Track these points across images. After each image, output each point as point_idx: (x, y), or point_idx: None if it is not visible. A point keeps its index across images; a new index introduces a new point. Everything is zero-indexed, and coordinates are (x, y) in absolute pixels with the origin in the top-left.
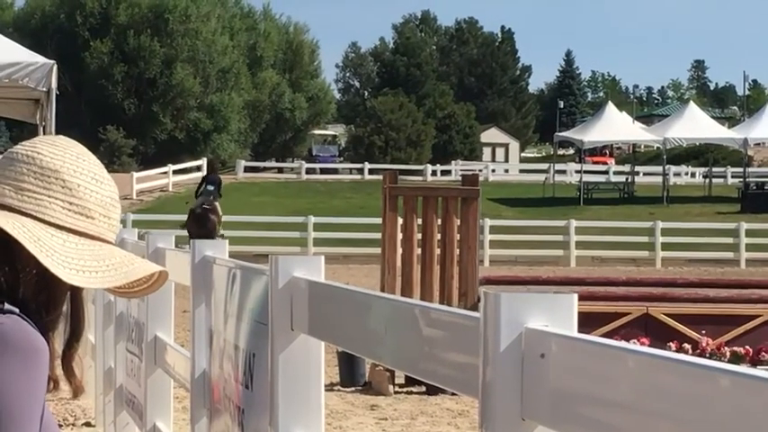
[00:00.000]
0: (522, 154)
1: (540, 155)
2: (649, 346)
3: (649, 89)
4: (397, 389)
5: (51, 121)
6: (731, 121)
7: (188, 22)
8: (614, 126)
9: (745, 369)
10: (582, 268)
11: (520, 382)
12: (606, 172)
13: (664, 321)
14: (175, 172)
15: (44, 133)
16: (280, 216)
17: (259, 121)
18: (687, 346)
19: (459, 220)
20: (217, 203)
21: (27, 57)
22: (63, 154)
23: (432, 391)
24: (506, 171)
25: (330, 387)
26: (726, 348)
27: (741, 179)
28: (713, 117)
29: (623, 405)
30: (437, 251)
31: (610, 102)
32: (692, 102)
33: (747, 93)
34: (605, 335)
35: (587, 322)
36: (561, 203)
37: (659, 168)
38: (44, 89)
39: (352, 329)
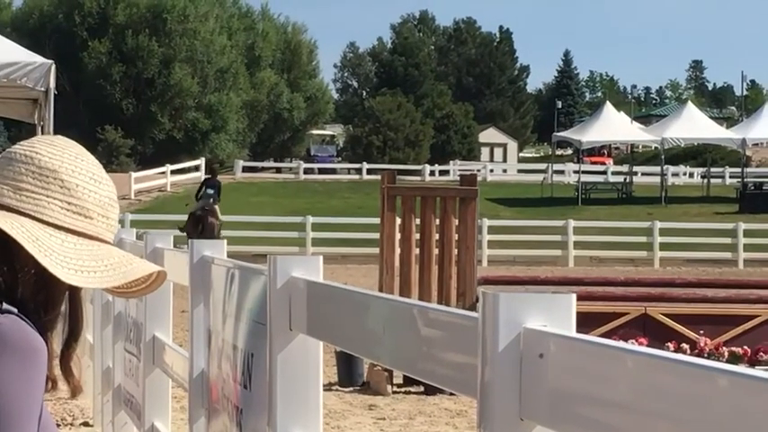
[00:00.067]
0: (521, 154)
1: (538, 155)
2: (648, 346)
3: (647, 89)
4: (395, 389)
5: (49, 120)
6: (729, 122)
7: (186, 21)
8: (612, 126)
9: (743, 369)
10: (580, 268)
11: (518, 382)
12: (604, 172)
13: (662, 321)
14: (173, 172)
15: (42, 133)
16: (278, 216)
17: (257, 120)
18: (685, 346)
19: (457, 220)
20: (216, 207)
21: (25, 56)
22: (61, 154)
23: (430, 390)
24: (504, 171)
25: (328, 387)
26: (724, 348)
27: (739, 179)
28: (711, 117)
29: (622, 405)
30: (435, 251)
31: (608, 102)
32: (690, 102)
33: (745, 93)
34: (603, 335)
35: (585, 322)
36: (559, 203)
37: (657, 168)
38: (42, 89)
39: (350, 329)
